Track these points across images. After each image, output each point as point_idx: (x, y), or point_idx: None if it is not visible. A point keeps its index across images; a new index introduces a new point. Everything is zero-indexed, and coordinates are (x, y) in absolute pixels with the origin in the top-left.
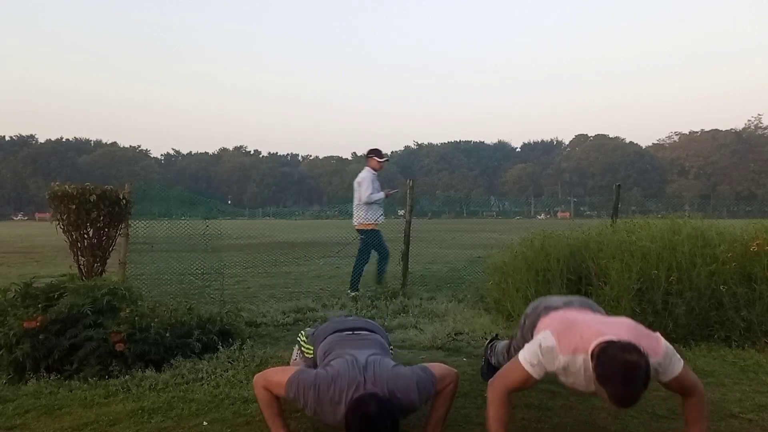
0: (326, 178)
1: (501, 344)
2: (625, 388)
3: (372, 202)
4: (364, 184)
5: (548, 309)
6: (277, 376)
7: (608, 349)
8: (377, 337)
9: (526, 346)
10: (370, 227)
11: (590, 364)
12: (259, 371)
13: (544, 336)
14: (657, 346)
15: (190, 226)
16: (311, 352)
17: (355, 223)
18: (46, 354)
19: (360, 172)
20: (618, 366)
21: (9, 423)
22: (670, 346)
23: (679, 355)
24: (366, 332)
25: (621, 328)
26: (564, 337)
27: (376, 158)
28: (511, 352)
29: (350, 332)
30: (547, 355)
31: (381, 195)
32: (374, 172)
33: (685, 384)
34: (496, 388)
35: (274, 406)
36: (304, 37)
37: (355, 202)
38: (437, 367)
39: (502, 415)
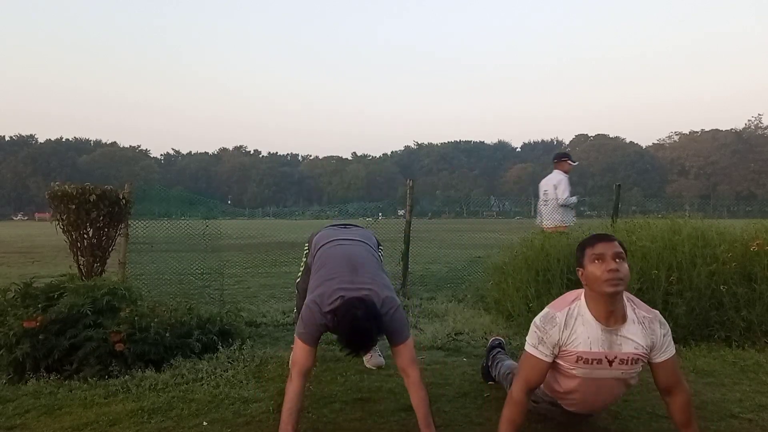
0: (326, 178)
1: (506, 364)
2: (599, 235)
3: (566, 205)
4: (561, 186)
5: None
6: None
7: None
8: (367, 232)
9: (529, 336)
10: (563, 230)
11: (584, 300)
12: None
13: (537, 316)
14: (649, 307)
15: (190, 226)
16: (307, 249)
17: (549, 226)
18: (46, 354)
19: (553, 175)
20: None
21: (9, 423)
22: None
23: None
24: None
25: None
26: (557, 302)
27: (569, 161)
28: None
29: (342, 226)
30: (547, 323)
31: (574, 199)
32: (566, 174)
33: (674, 374)
34: (513, 389)
35: (297, 406)
36: (304, 37)
37: (549, 204)
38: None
39: (515, 417)
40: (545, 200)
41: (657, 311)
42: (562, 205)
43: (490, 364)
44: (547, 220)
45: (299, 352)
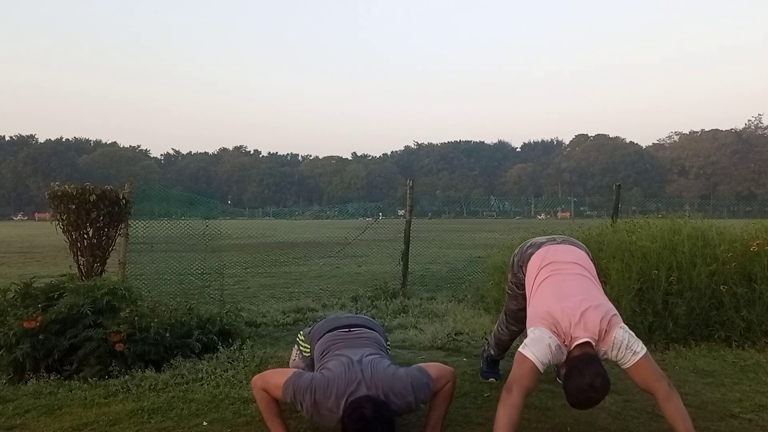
0: (326, 178)
1: (494, 329)
2: (581, 407)
3: None
4: None
5: (533, 246)
6: (275, 378)
7: (575, 373)
8: (374, 335)
9: (531, 346)
10: None
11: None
12: (260, 371)
13: (549, 337)
14: (609, 338)
15: (190, 226)
16: (309, 350)
17: None
18: (46, 354)
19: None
20: (581, 395)
21: (9, 423)
22: (626, 340)
23: (637, 350)
24: (362, 329)
25: (591, 322)
26: (559, 335)
27: None
28: (507, 303)
29: (346, 330)
30: (558, 353)
31: None
32: None
33: (642, 377)
34: (514, 391)
35: (273, 407)
36: (304, 37)
37: None
38: (434, 367)
39: (517, 420)
40: None
41: (610, 338)
42: None
43: (487, 347)
44: None
45: (273, 388)
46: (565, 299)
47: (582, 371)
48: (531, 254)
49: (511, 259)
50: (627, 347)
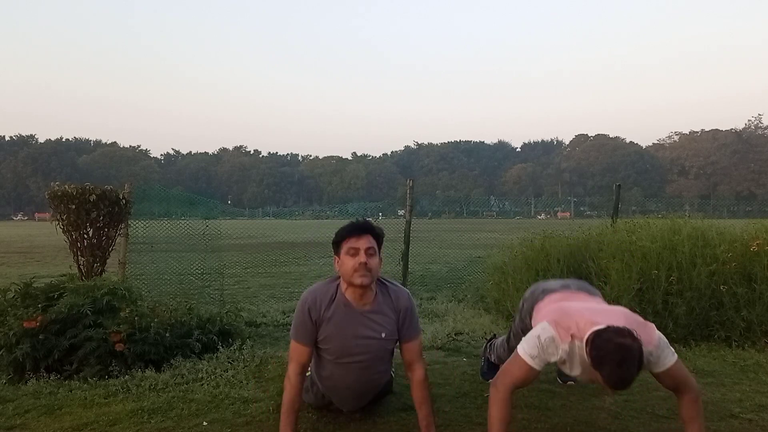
0: (326, 178)
1: (499, 339)
2: (619, 370)
3: None
4: None
5: (546, 292)
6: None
7: (603, 333)
8: None
9: (524, 339)
10: None
11: (585, 351)
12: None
13: (542, 327)
14: (651, 334)
15: (190, 226)
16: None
17: None
18: (46, 354)
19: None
20: (612, 348)
21: (9, 423)
22: (664, 338)
23: (673, 350)
24: None
25: (614, 316)
26: (561, 326)
27: None
28: (510, 338)
29: None
30: (550, 346)
31: None
32: None
33: (677, 379)
34: (499, 387)
35: (296, 402)
36: (304, 37)
37: None
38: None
39: (505, 415)
40: None
41: (654, 336)
42: None
43: (488, 351)
44: None
45: (295, 350)
46: (579, 303)
47: (600, 330)
48: (541, 299)
49: (521, 303)
50: (667, 346)
